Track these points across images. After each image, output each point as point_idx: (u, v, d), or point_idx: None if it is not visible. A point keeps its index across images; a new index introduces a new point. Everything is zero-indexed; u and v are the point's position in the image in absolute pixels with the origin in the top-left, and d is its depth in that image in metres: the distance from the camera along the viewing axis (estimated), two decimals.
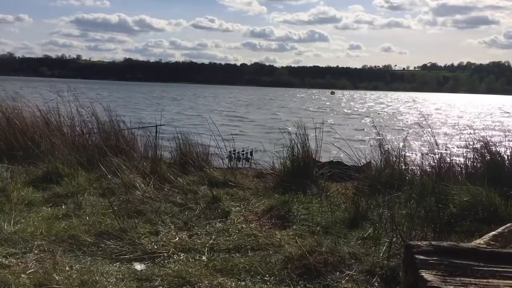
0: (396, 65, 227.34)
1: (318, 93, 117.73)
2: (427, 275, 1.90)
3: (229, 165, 6.53)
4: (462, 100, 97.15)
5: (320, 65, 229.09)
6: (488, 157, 5.32)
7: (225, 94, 79.83)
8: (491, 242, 2.75)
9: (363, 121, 29.24)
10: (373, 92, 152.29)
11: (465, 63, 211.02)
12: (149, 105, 38.08)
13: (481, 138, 5.63)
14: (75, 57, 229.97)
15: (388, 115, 37.40)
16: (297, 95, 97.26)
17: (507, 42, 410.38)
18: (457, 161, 5.59)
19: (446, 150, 5.75)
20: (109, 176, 5.13)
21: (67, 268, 2.97)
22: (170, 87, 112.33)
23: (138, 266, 3.09)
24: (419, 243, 2.11)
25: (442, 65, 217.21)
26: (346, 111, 43.97)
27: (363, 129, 21.97)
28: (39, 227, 3.66)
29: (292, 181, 5.20)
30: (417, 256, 2.01)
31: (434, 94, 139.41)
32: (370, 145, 6.29)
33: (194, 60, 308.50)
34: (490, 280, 1.90)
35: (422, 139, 6.39)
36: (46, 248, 3.29)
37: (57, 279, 2.75)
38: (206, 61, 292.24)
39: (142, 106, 36.44)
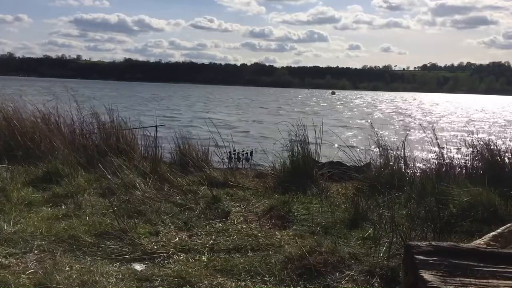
0: (396, 65, 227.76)
1: (319, 93, 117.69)
2: (427, 275, 1.90)
3: (229, 166, 6.52)
4: (448, 99, 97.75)
5: (320, 65, 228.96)
6: (488, 157, 5.32)
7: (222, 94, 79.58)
8: (491, 243, 2.75)
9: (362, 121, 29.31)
10: (371, 92, 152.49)
11: (465, 63, 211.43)
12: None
13: (481, 139, 5.63)
14: (75, 57, 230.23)
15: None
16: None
17: (506, 42, 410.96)
18: (457, 161, 5.59)
19: (446, 150, 5.74)
20: (109, 176, 5.13)
21: (67, 268, 2.97)
22: (167, 88, 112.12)
23: (138, 267, 3.09)
24: (419, 243, 2.11)
25: (442, 65, 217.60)
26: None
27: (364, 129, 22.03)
28: (39, 227, 3.66)
29: (292, 181, 5.20)
30: (417, 256, 2.00)
31: (433, 95, 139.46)
32: (370, 145, 6.28)
33: (194, 60, 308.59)
34: (490, 281, 1.90)
35: (422, 139, 6.39)
36: (46, 248, 3.29)
37: (57, 279, 2.75)
38: (206, 61, 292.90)
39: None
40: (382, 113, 40.18)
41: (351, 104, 62.80)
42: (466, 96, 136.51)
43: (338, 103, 64.79)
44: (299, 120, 5.95)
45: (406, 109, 51.94)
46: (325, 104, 57.32)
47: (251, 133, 19.50)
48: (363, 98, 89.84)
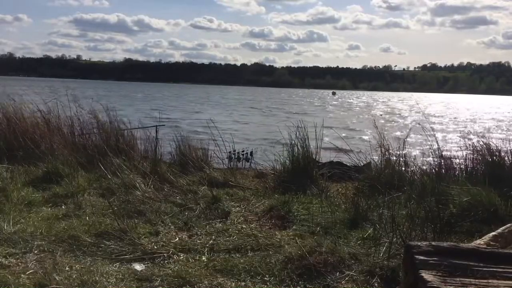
0: (396, 66, 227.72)
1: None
2: (427, 275, 1.90)
3: (229, 166, 6.53)
4: (442, 100, 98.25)
5: (320, 65, 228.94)
6: (488, 157, 5.32)
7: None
8: (491, 243, 2.75)
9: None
10: (370, 92, 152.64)
11: (465, 63, 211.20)
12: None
13: (481, 139, 5.63)
14: (75, 57, 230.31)
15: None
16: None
17: (505, 42, 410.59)
18: (457, 162, 5.58)
19: (446, 150, 5.75)
20: (109, 176, 5.13)
21: (67, 268, 2.97)
22: (166, 88, 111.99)
23: (138, 267, 3.09)
24: (419, 243, 2.11)
25: (442, 65, 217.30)
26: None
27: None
28: (39, 227, 3.66)
29: (292, 181, 5.20)
30: (417, 256, 2.00)
31: (432, 95, 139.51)
32: (370, 145, 6.28)
33: (194, 60, 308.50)
34: (490, 281, 1.90)
35: (422, 139, 6.39)
36: (46, 248, 3.29)
37: (57, 279, 2.75)
38: (205, 61, 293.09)
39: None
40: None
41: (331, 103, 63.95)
42: (465, 96, 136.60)
43: (324, 102, 65.98)
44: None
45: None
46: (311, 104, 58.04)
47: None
48: (351, 98, 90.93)
